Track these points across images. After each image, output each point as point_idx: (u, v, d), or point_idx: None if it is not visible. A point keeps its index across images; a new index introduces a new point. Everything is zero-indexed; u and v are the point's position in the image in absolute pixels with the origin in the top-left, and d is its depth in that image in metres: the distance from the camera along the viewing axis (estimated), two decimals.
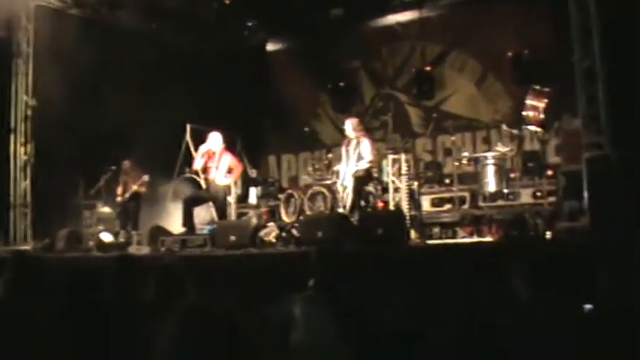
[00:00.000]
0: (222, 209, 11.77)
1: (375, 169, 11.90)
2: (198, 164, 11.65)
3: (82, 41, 12.89)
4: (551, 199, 11.21)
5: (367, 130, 12.36)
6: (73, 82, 12.51)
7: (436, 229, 12.06)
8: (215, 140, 11.58)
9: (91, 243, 11.95)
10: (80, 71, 12.79)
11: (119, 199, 13.17)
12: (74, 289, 5.84)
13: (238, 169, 11.95)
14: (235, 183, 13.11)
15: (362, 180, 11.02)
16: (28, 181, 13.40)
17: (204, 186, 12.16)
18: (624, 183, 7.22)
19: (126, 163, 13.25)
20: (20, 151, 13.35)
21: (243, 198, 14.61)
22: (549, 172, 11.72)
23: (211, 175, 11.59)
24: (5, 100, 13.31)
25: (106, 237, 11.95)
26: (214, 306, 2.62)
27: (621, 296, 4.23)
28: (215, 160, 11.55)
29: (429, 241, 10.83)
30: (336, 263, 6.94)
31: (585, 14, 8.25)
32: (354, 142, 11.22)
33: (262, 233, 10.62)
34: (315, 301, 3.93)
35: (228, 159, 11.67)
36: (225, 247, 10.13)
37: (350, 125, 11.40)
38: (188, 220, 11.44)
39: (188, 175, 13.67)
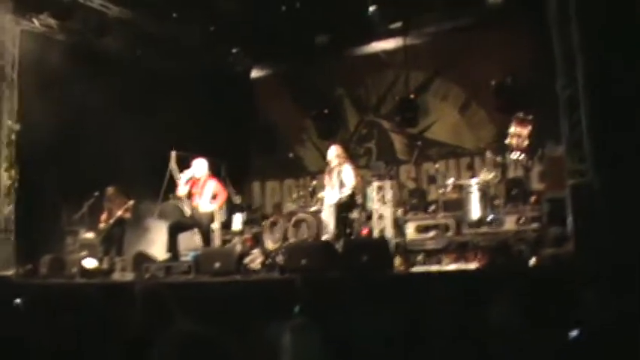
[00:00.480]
0: (206, 236, 11.73)
1: (359, 196, 11.94)
2: (182, 190, 11.62)
3: (67, 66, 12.93)
4: (535, 225, 11.23)
5: (350, 157, 12.36)
6: (58, 107, 12.49)
7: (421, 257, 12.05)
8: (199, 166, 11.57)
9: (75, 269, 11.83)
10: (65, 96, 12.81)
11: (103, 224, 13.08)
12: (54, 315, 5.80)
13: (223, 196, 11.92)
14: (220, 209, 13.09)
15: (345, 207, 11.04)
16: (12, 207, 13.29)
17: (188, 212, 12.09)
18: (607, 209, 7.28)
19: (110, 189, 13.17)
20: (4, 176, 13.24)
21: (227, 224, 14.57)
22: (533, 199, 11.75)
23: (195, 202, 11.56)
24: None
25: (90, 263, 11.86)
26: (202, 332, 2.62)
27: (606, 321, 4.24)
28: (199, 186, 11.54)
29: (414, 269, 10.82)
30: (320, 291, 6.96)
31: (568, 44, 8.37)
32: (336, 170, 11.22)
33: (247, 260, 10.60)
34: (303, 329, 3.92)
35: (213, 185, 11.66)
36: (210, 274, 10.08)
37: (332, 152, 11.43)
38: (173, 246, 11.39)
39: (172, 201, 13.62)
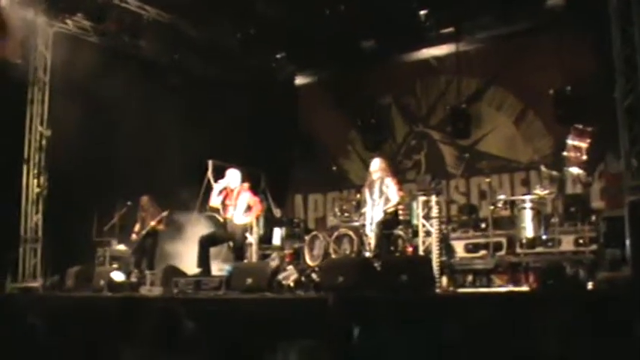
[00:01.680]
0: (240, 250, 11.58)
1: (404, 212, 11.70)
2: (215, 201, 11.48)
3: (101, 70, 12.94)
4: (595, 246, 10.89)
5: (394, 170, 12.13)
6: (90, 112, 12.54)
7: (470, 277, 11.80)
8: (233, 177, 11.43)
9: (102, 282, 11.78)
10: (98, 101, 12.84)
11: (134, 236, 13.03)
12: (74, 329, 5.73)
13: (258, 208, 11.76)
14: (257, 222, 12.95)
15: (388, 223, 10.77)
16: (40, 215, 13.36)
17: (222, 225, 11.95)
18: None
19: (144, 199, 13.12)
20: (33, 183, 13.33)
21: (267, 239, 14.43)
22: (593, 218, 11.39)
23: (229, 214, 11.42)
24: (19, 129, 13.32)
25: (118, 276, 11.80)
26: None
27: None
28: (233, 197, 11.40)
29: (461, 289, 10.57)
30: (353, 311, 6.75)
31: (629, 46, 8.06)
32: (377, 183, 10.97)
33: (281, 277, 10.41)
34: (312, 352, 3.70)
35: (247, 197, 11.50)
36: (241, 290, 9.92)
37: (375, 165, 11.15)
38: (204, 260, 11.25)
39: (208, 213, 13.52)
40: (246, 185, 11.74)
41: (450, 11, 13.91)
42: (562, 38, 13.44)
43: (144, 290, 11.09)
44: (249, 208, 11.48)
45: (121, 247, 13.38)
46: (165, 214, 13.03)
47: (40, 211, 13.38)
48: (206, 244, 11.40)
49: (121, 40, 13.97)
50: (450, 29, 14.69)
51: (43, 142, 13.49)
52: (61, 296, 11.06)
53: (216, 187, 11.53)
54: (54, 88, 13.45)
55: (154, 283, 11.46)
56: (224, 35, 14.72)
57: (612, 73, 8.74)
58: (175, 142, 13.56)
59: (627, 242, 7.81)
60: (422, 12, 13.58)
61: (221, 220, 12.06)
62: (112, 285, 11.53)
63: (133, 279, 11.96)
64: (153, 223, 12.90)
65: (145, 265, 12.66)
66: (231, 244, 11.84)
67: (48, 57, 13.59)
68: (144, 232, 12.96)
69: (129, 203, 13.29)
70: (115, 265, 12.76)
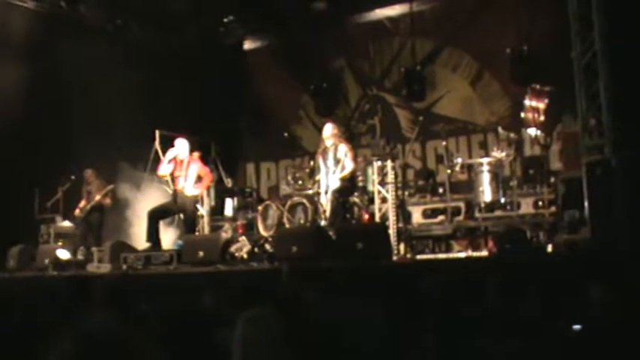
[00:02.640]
0: (191, 222, 11.57)
1: (360, 178, 11.75)
2: (164, 170, 11.42)
3: (38, 38, 12.70)
4: (554, 209, 11.05)
5: (348, 136, 12.17)
6: (29, 83, 12.30)
7: (429, 243, 11.93)
8: (182, 147, 11.37)
9: (47, 261, 11.66)
10: (36, 72, 12.60)
11: (78, 212, 12.90)
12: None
13: (208, 178, 11.74)
14: (208, 192, 12.92)
15: (343, 191, 10.79)
16: None
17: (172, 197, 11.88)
18: (627, 189, 7.07)
19: (88, 172, 13.01)
20: None
21: (218, 210, 14.41)
22: (552, 180, 11.54)
23: (179, 186, 11.36)
24: None
25: (63, 254, 11.70)
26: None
27: (611, 319, 4.07)
28: (183, 168, 11.34)
29: (419, 256, 10.68)
30: (307, 281, 6.77)
31: (585, 4, 8.12)
32: (331, 150, 10.96)
33: (233, 248, 10.44)
34: (260, 321, 3.69)
35: (197, 167, 11.46)
36: (193, 264, 9.93)
37: (328, 131, 11.12)
38: (153, 234, 11.22)
39: (157, 183, 13.44)
40: (196, 155, 11.72)
41: None
42: None
43: (91, 267, 11.03)
44: (199, 178, 11.46)
45: (66, 223, 13.19)
46: (111, 187, 12.94)
47: None
48: (155, 216, 11.36)
49: (59, 5, 13.70)
50: None
51: None
52: (2, 277, 10.94)
53: (166, 156, 11.46)
54: None
55: (101, 259, 11.40)
56: None
57: (568, 33, 8.81)
58: (121, 112, 13.36)
59: (585, 203, 7.92)
60: None
61: (170, 191, 12.02)
62: (58, 263, 11.45)
63: (80, 256, 11.86)
64: (98, 197, 12.81)
65: (92, 242, 12.55)
66: (181, 216, 11.82)
67: None
68: (88, 206, 12.86)
69: (73, 177, 13.10)
70: (59, 243, 12.62)
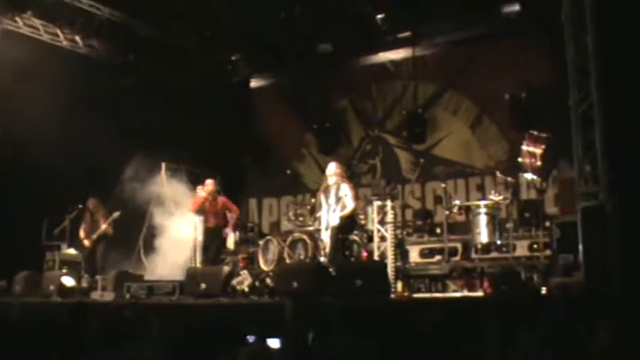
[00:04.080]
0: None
1: (360, 217, 11.84)
2: (195, 208, 12.48)
3: (51, 70, 12.82)
4: (549, 252, 11.09)
5: (350, 175, 12.29)
6: (40, 113, 12.40)
7: (425, 282, 11.94)
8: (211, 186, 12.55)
9: (52, 287, 11.69)
10: (48, 102, 12.69)
11: (87, 242, 12.98)
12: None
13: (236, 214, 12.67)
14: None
15: (342, 228, 10.86)
16: None
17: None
18: (620, 235, 7.13)
19: (91, 201, 13.11)
20: None
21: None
22: (547, 224, 11.59)
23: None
24: None
25: (68, 281, 11.75)
26: None
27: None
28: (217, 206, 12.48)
29: (416, 295, 10.70)
30: (308, 316, 6.82)
31: (582, 54, 8.24)
32: (333, 188, 11.03)
33: (235, 282, 10.47)
34: (259, 356, 3.77)
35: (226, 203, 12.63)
36: (195, 296, 9.97)
37: (331, 169, 11.19)
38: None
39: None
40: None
41: (407, 15, 14.02)
42: (517, 44, 13.68)
43: (95, 295, 11.07)
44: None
45: (71, 251, 13.28)
46: (117, 214, 13.03)
47: None
48: None
49: (72, 40, 13.87)
50: (407, 33, 14.87)
51: None
52: (8, 302, 10.95)
53: (197, 194, 12.41)
54: (1, 88, 13.20)
55: (105, 287, 11.45)
56: (179, 36, 14.69)
57: (566, 81, 8.91)
58: (128, 145, 13.46)
59: (580, 248, 7.98)
60: (379, 16, 13.69)
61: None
62: (63, 290, 11.48)
63: (84, 284, 11.92)
64: (104, 225, 12.91)
65: (97, 270, 12.60)
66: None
67: None
68: (95, 235, 12.94)
69: (80, 206, 13.22)
70: (64, 270, 12.67)
